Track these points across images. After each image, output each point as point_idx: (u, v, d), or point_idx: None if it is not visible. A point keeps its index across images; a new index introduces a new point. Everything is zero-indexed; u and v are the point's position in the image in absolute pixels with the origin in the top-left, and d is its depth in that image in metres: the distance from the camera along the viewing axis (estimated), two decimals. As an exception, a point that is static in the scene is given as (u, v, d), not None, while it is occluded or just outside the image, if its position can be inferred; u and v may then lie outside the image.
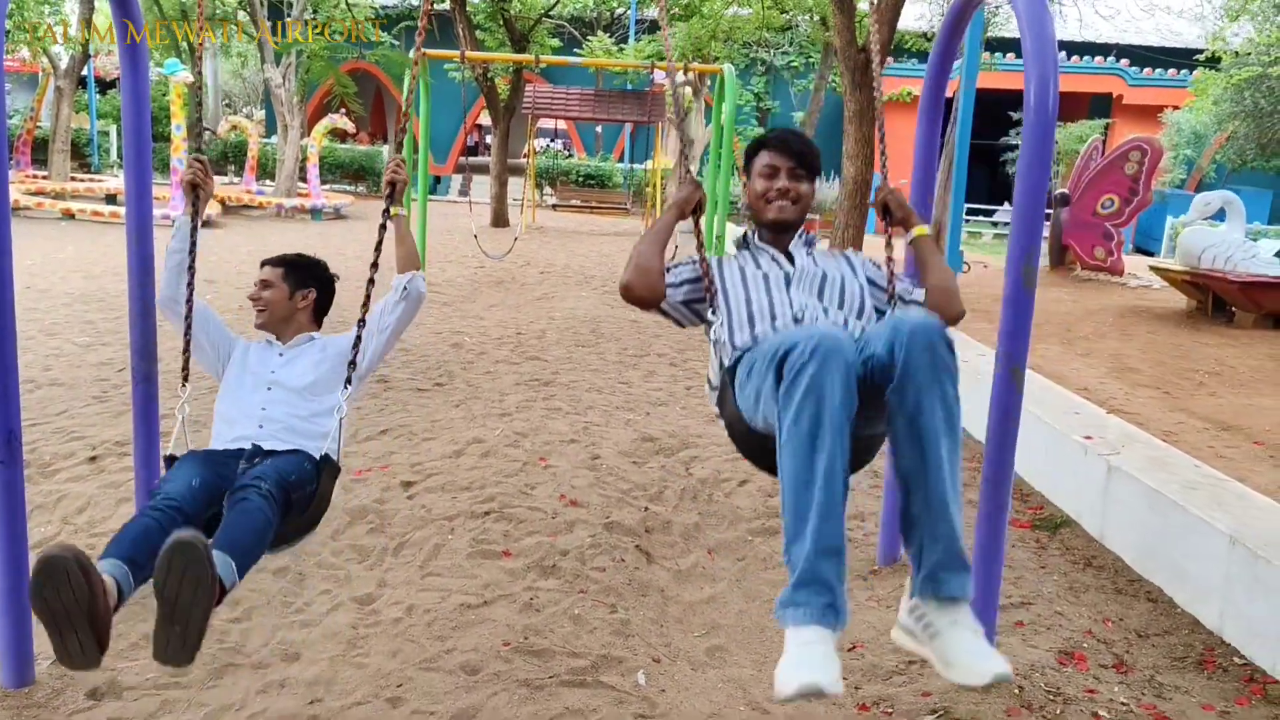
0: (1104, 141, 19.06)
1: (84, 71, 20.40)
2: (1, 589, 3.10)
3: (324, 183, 20.29)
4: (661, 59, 18.33)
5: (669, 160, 20.99)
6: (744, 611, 4.07)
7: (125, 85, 3.94)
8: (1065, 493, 4.96)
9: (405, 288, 3.21)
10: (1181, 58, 23.77)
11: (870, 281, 2.94)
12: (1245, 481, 4.58)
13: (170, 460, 2.91)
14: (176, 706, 3.16)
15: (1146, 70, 24.75)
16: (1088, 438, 4.88)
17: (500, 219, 18.53)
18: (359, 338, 3.03)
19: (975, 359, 6.61)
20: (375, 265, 3.05)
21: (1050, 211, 16.60)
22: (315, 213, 18.58)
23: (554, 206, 20.43)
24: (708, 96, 21.12)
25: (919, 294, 2.95)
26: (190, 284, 3.13)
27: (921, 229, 3.05)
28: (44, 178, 19.71)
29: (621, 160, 28.05)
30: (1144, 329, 11.09)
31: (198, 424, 4.28)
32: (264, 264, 3.30)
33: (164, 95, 26.60)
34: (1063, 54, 23.72)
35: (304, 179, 19.27)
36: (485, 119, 28.19)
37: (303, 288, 3.28)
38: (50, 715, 3.05)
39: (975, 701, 3.28)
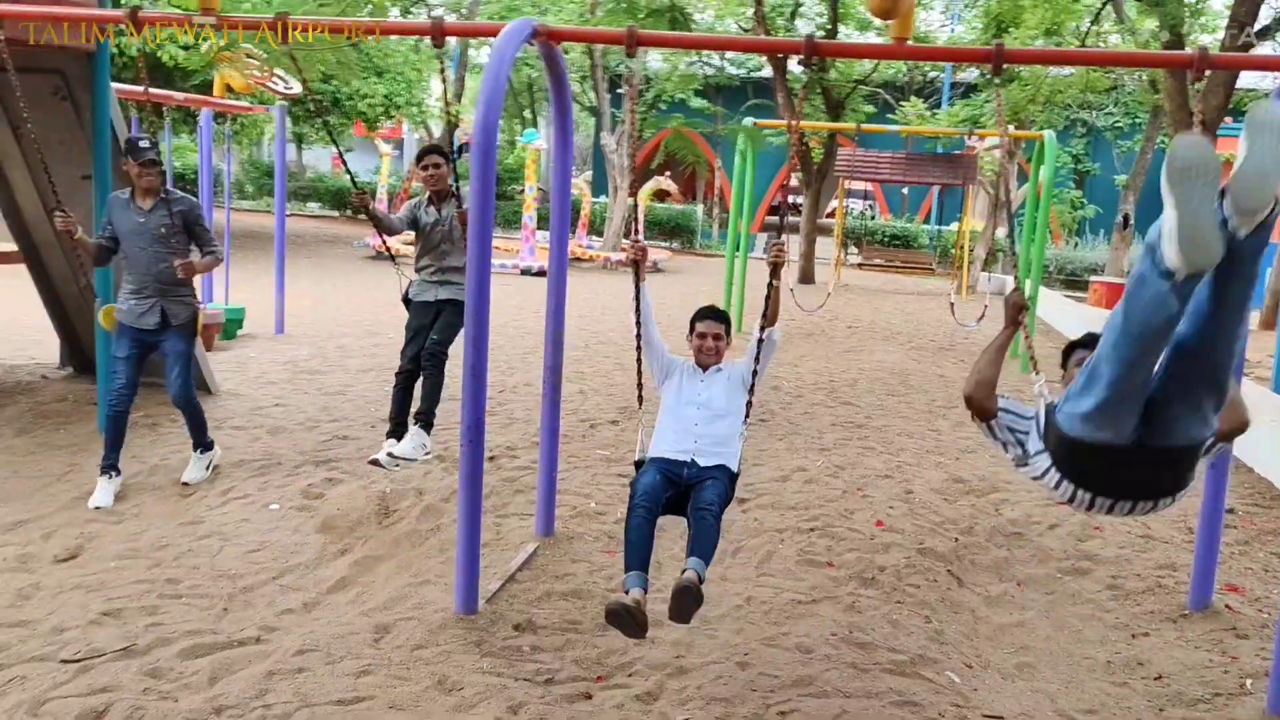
0: None
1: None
2: (461, 540, 4.12)
3: (646, 238, 22.00)
4: (976, 124, 18.45)
5: (978, 222, 20.89)
6: (1052, 638, 4.44)
7: (556, 155, 5.03)
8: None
9: (774, 338, 4.14)
10: None
11: None
12: None
13: (639, 464, 4.05)
14: (576, 644, 4.04)
15: None
16: None
17: (807, 276, 19.30)
18: (754, 379, 4.12)
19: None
20: (764, 326, 4.01)
21: None
22: (637, 266, 20.20)
23: (859, 265, 20.92)
24: (1021, 161, 20.87)
25: None
26: (638, 330, 4.16)
27: None
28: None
29: (927, 221, 28.06)
30: None
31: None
32: (707, 318, 4.27)
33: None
34: None
35: (629, 235, 21.07)
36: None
37: (729, 336, 4.32)
38: (490, 637, 4.01)
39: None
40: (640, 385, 4.26)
